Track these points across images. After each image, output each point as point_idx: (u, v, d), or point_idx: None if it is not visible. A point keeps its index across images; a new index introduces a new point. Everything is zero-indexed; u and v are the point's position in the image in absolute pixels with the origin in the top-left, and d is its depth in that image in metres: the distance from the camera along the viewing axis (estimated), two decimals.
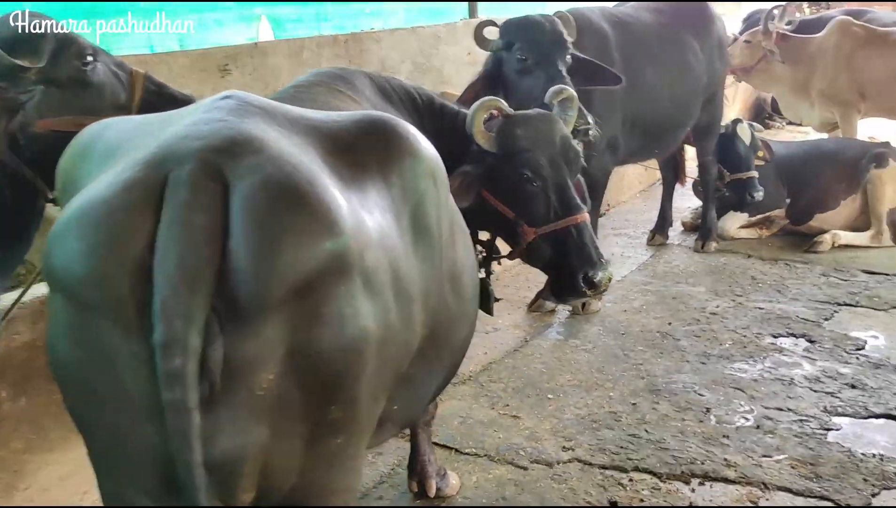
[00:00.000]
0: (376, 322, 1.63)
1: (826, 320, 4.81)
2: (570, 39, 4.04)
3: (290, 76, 5.49)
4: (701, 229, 6.27)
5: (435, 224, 1.95)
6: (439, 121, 3.08)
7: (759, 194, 5.91)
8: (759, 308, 5.01)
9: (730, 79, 8.14)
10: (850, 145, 6.49)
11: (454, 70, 6.14)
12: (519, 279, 5.70)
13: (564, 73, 3.90)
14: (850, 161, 6.22)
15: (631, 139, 5.02)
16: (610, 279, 2.94)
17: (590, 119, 3.79)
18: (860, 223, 6.20)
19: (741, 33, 8.08)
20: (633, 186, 8.05)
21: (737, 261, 5.94)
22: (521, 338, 4.80)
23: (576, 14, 4.74)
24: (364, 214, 1.67)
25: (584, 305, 5.05)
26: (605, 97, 4.63)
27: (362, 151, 1.80)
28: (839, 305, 5.01)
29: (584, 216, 2.88)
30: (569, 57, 4.00)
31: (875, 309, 4.92)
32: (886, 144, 6.39)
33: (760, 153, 6.17)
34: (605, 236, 6.68)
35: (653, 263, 6.01)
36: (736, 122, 6.17)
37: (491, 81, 4.10)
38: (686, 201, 7.07)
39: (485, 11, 7.86)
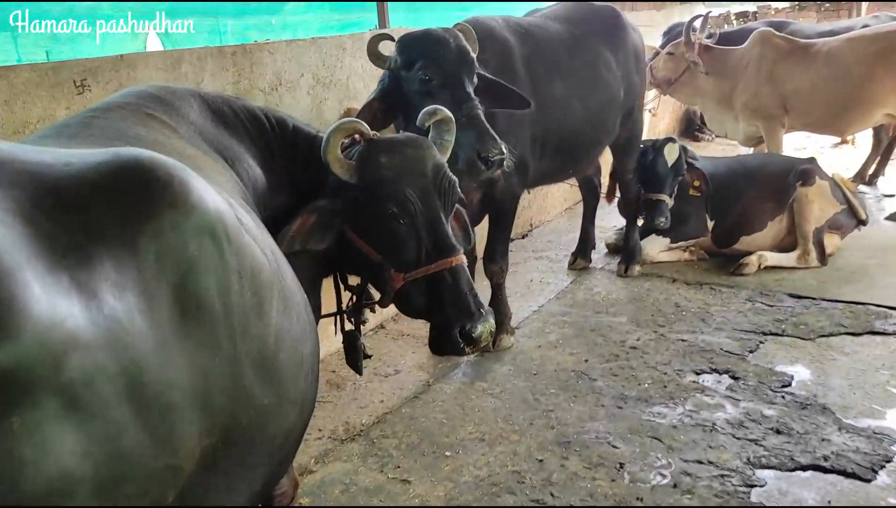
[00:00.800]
0: (90, 459, 1.14)
1: (751, 352, 4.47)
2: (475, 56, 3.61)
3: None
4: (623, 252, 5.92)
5: (218, 298, 1.47)
6: (292, 149, 2.60)
7: (663, 222, 5.56)
8: (682, 340, 4.65)
9: (655, 93, 7.92)
10: (774, 162, 6.23)
11: (362, 84, 5.66)
12: None
13: (472, 94, 3.47)
14: (776, 179, 5.95)
15: (541, 159, 4.62)
16: (491, 333, 2.51)
17: (503, 147, 3.38)
18: (787, 243, 5.93)
19: (663, 46, 7.83)
20: (557, 205, 7.70)
21: (661, 286, 5.59)
22: (422, 382, 4.33)
23: (476, 24, 4.32)
24: (78, 302, 1.18)
25: (495, 340, 4.63)
26: (509, 115, 4.22)
27: (97, 207, 1.31)
28: (765, 334, 4.69)
29: (460, 258, 2.44)
30: (475, 76, 3.57)
31: (801, 338, 4.60)
32: (811, 160, 6.15)
33: (696, 183, 5.84)
34: (525, 260, 6.32)
35: (573, 289, 5.62)
36: (667, 140, 5.82)
37: (389, 101, 3.65)
38: (611, 220, 6.74)
39: (403, 20, 7.50)
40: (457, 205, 2.81)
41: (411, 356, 4.67)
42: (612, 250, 6.36)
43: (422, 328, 5.04)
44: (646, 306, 5.23)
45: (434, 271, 2.40)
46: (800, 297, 5.23)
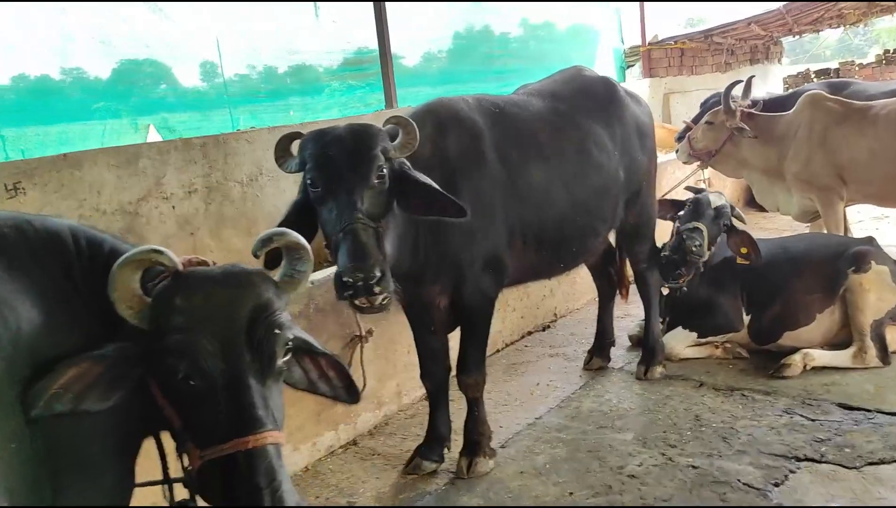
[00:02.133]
0: None
1: (776, 485, 3.66)
2: (382, 157, 3.09)
3: (116, 191, 4.71)
4: (643, 350, 5.18)
5: None
6: (104, 275, 2.14)
7: (697, 246, 4.80)
8: (693, 467, 3.88)
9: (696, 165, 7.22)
10: (822, 243, 5.38)
11: None
12: (410, 427, 4.68)
13: (361, 204, 2.97)
14: (825, 264, 5.12)
15: (524, 254, 4.03)
16: None
17: (378, 270, 2.88)
18: (841, 339, 5.06)
19: (697, 119, 7.21)
20: (587, 292, 6.98)
21: (683, 392, 4.81)
22: None
23: (439, 107, 3.86)
24: None
25: (469, 464, 3.99)
26: (479, 206, 3.69)
27: None
28: (798, 460, 3.86)
29: (263, 438, 1.87)
30: (377, 180, 3.06)
31: (844, 466, 3.76)
32: (868, 240, 5.29)
33: (744, 249, 5.08)
34: (537, 359, 5.67)
35: (579, 396, 4.91)
36: (715, 192, 5.25)
37: (303, 211, 3.21)
38: (635, 309, 6.01)
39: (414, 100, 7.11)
40: (330, 354, 2.29)
41: (374, 481, 4.08)
42: (636, 343, 5.61)
43: (398, 445, 4.50)
44: (659, 418, 4.47)
45: (227, 451, 1.85)
46: (851, 408, 4.36)
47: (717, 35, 11.51)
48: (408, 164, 3.26)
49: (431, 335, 4.03)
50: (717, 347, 5.32)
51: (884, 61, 17.04)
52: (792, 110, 6.58)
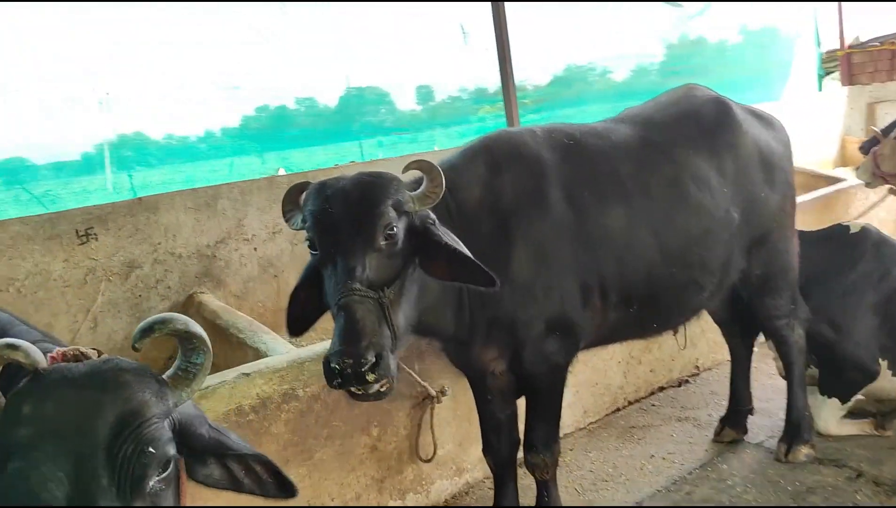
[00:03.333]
0: None
1: None
2: (393, 212, 2.62)
3: (194, 234, 4.62)
4: (786, 425, 4.23)
5: None
6: None
7: None
8: None
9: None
10: None
11: None
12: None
13: (362, 272, 2.53)
14: None
15: (605, 313, 3.37)
16: None
17: (372, 355, 2.44)
18: None
19: (889, 129, 5.93)
20: None
21: (834, 484, 3.85)
22: None
23: (497, 140, 3.35)
24: None
25: None
26: (539, 258, 3.14)
27: None
28: None
29: None
30: (384, 242, 2.60)
31: None
32: None
33: None
34: (664, 422, 4.91)
35: (697, 479, 4.09)
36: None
37: (315, 275, 2.84)
38: None
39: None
40: (249, 453, 1.89)
41: None
42: None
43: None
44: None
45: None
46: None
47: None
48: (432, 217, 2.78)
49: (491, 404, 3.49)
50: (873, 423, 4.27)
51: None
52: None
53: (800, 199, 6.70)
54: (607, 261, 3.31)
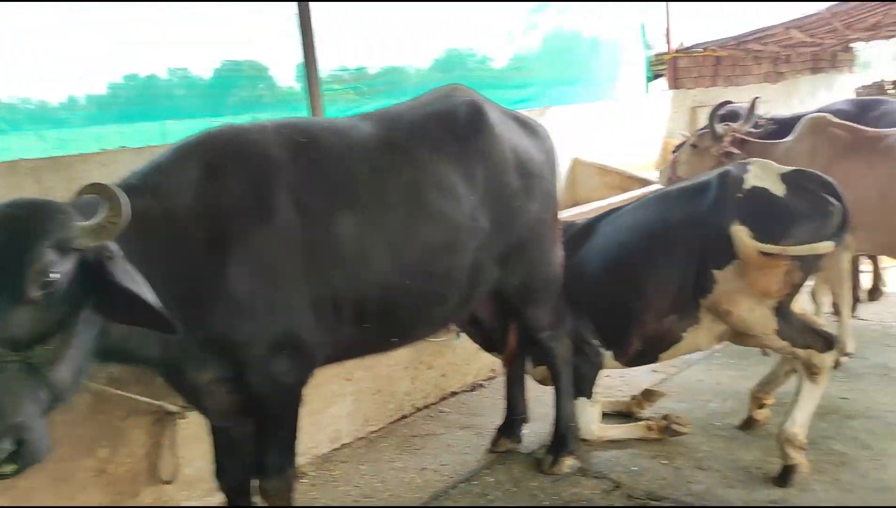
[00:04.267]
0: None
1: None
2: (51, 256, 2.20)
3: None
4: (553, 436, 4.20)
5: None
6: None
7: None
8: None
9: None
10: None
11: None
12: None
13: (3, 332, 2.14)
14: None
15: (339, 329, 3.14)
16: None
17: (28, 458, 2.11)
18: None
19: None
20: None
21: (589, 494, 3.83)
22: None
23: (217, 137, 3.04)
24: None
25: None
26: (260, 273, 2.86)
27: None
28: None
29: None
30: (38, 293, 2.18)
31: None
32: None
33: None
34: (447, 430, 4.80)
35: (459, 494, 3.96)
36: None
37: None
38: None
39: None
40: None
41: None
42: None
43: None
44: None
45: None
46: None
47: (753, 42, 10.19)
48: (111, 250, 2.37)
49: (220, 425, 3.21)
50: (650, 428, 4.32)
51: None
52: (791, 137, 5.44)
53: (613, 199, 6.83)
54: (339, 273, 3.07)
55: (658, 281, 4.00)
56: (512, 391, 4.43)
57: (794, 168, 3.95)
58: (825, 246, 3.63)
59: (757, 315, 3.79)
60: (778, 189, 3.78)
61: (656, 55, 10.42)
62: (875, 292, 6.72)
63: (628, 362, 4.33)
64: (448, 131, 3.46)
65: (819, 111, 6.00)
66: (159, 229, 2.74)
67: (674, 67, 10.09)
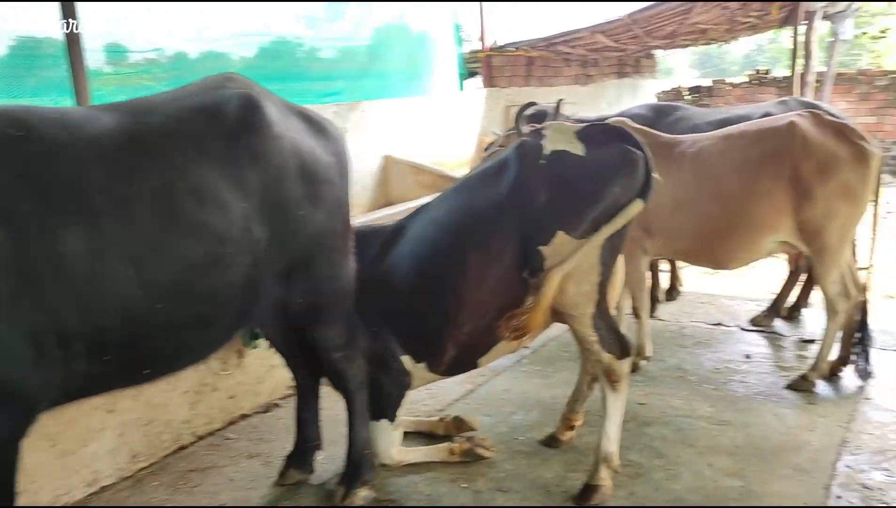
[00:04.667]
0: None
1: None
2: None
3: None
4: (346, 466, 3.82)
5: None
6: None
7: None
8: None
9: None
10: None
11: None
12: None
13: None
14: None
15: (67, 364, 2.57)
16: None
17: None
18: None
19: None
20: None
21: None
22: None
23: None
24: None
25: None
26: None
27: None
28: None
29: None
30: None
31: None
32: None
33: None
34: (232, 460, 4.27)
35: None
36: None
37: None
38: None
39: None
40: None
41: None
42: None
43: None
44: None
45: None
46: None
47: (562, 44, 10.39)
48: None
49: None
50: (452, 452, 4.07)
51: (755, 81, 16.53)
52: None
53: (426, 200, 6.55)
54: (65, 300, 2.51)
55: (473, 277, 3.69)
56: (302, 414, 4.01)
57: (586, 123, 3.83)
58: (636, 207, 3.52)
59: (583, 291, 3.59)
60: (577, 149, 3.60)
61: (471, 52, 10.35)
62: (672, 292, 6.95)
63: (444, 371, 4.03)
64: (213, 129, 2.96)
65: (619, 115, 6.06)
66: None
67: (488, 66, 10.05)
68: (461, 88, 10.02)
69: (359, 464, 3.76)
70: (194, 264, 2.79)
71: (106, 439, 3.95)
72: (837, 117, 5.40)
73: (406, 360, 3.94)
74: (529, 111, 5.97)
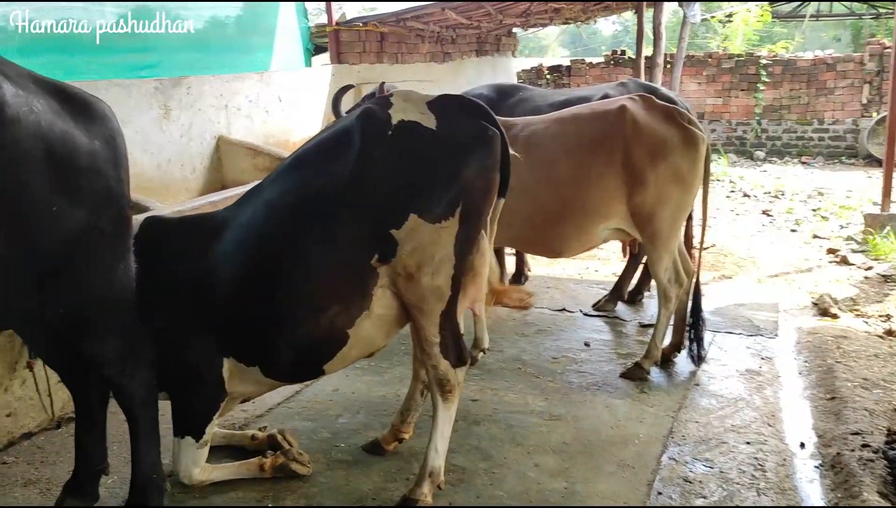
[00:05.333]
0: None
1: None
2: None
3: None
4: (130, 490, 3.35)
5: None
6: None
7: None
8: None
9: None
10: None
11: None
12: None
13: None
14: None
15: None
16: None
17: None
18: None
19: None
20: None
21: None
22: None
23: None
24: None
25: None
26: None
27: None
28: None
29: None
30: None
31: None
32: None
33: None
34: (10, 485, 3.71)
35: None
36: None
37: None
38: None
39: None
40: None
41: None
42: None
43: None
44: None
45: None
46: None
47: (413, 20, 10.05)
48: None
49: None
50: (263, 468, 3.68)
51: (612, 62, 16.88)
52: None
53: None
54: None
55: (311, 265, 3.26)
56: (83, 436, 3.48)
57: (438, 94, 3.47)
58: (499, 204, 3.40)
59: (436, 284, 3.25)
60: (429, 121, 3.24)
61: (317, 26, 9.82)
62: (520, 278, 6.82)
63: (284, 377, 3.60)
64: None
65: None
66: None
67: (336, 41, 9.57)
68: (308, 64, 9.48)
69: (144, 490, 3.30)
70: None
71: None
72: (672, 101, 5.36)
73: (233, 364, 3.48)
74: (347, 93, 5.58)
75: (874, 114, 14.47)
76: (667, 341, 5.00)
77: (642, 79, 8.79)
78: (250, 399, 3.98)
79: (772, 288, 6.82)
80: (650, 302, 6.24)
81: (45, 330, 3.04)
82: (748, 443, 3.98)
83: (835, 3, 20.13)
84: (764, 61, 15.52)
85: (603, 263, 7.62)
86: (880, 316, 5.91)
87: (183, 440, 3.53)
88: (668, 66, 13.19)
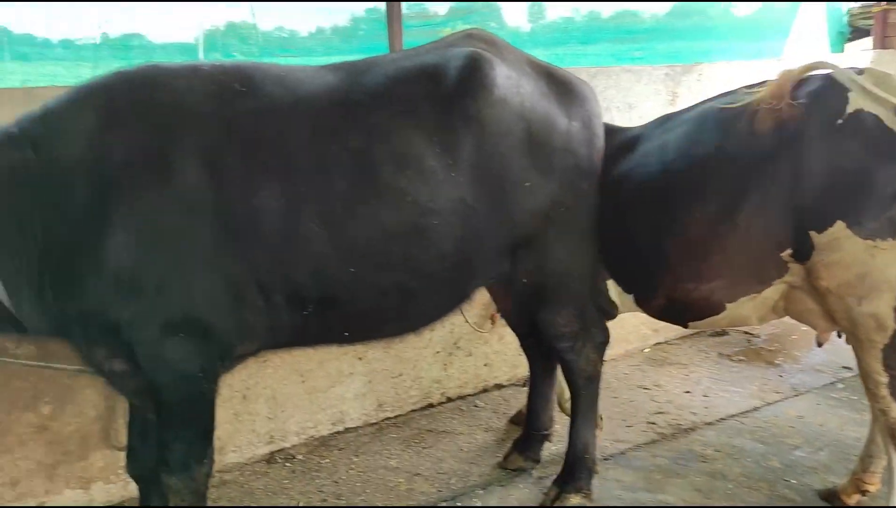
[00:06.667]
0: None
1: None
2: None
3: None
4: (563, 466, 3.46)
5: None
6: None
7: None
8: None
9: None
10: None
11: None
12: None
13: None
14: None
15: (272, 313, 2.65)
16: None
17: None
18: None
19: None
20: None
21: None
22: None
23: (134, 78, 2.73)
24: None
25: None
26: (150, 244, 2.51)
27: None
28: None
29: None
30: None
31: None
32: None
33: None
34: (471, 428, 4.41)
35: None
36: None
37: None
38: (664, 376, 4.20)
39: None
40: None
41: None
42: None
43: None
44: None
45: None
46: None
47: None
48: None
49: (135, 404, 2.89)
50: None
51: None
52: None
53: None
54: (261, 252, 2.59)
55: (699, 240, 2.99)
56: (533, 401, 3.75)
57: None
58: None
59: (871, 311, 2.75)
60: (892, 120, 2.68)
61: (861, 6, 8.61)
62: None
63: (651, 313, 3.40)
64: (428, 91, 2.80)
65: None
66: (36, 185, 2.43)
67: (883, 22, 8.27)
68: (838, 50, 8.42)
69: (574, 468, 3.39)
70: (391, 232, 2.68)
71: (354, 384, 4.14)
72: None
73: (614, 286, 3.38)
74: None
75: None
76: None
77: None
78: None
79: None
80: None
81: (513, 295, 3.31)
82: None
83: None
84: None
85: None
86: None
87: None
88: None
